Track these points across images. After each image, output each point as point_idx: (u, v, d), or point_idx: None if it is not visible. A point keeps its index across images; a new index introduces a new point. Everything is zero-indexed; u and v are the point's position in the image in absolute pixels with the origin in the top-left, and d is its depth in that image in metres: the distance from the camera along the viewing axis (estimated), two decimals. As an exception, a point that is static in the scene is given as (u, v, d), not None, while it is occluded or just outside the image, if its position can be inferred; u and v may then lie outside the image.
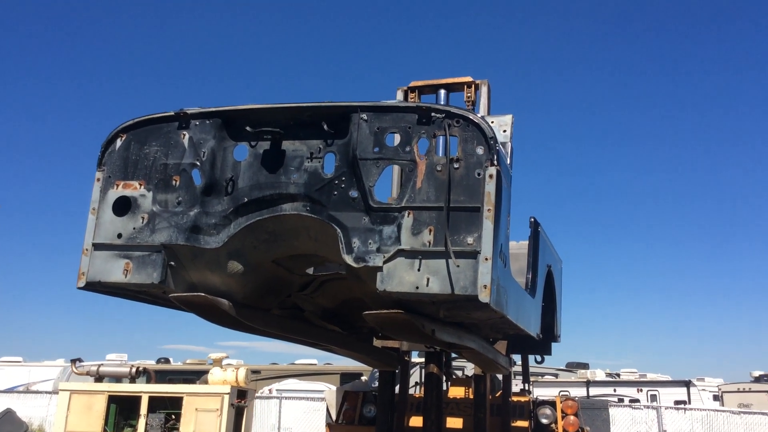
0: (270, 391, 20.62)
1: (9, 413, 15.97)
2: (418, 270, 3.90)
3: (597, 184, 70.75)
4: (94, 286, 4.47)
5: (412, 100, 7.26)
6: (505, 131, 6.19)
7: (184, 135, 4.48)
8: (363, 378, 18.43)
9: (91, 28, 64.19)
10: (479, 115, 4.27)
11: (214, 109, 4.51)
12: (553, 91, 71.09)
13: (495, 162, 3.95)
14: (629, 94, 69.49)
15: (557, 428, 8.31)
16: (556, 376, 24.43)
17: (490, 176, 3.94)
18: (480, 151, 3.98)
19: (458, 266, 3.82)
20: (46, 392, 21.37)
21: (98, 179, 4.56)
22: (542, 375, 23.13)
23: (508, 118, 6.32)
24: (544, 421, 8.40)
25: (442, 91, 7.41)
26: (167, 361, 26.07)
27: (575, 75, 70.70)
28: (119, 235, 4.40)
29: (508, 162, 4.76)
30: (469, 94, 7.33)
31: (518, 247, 6.76)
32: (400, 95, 7.48)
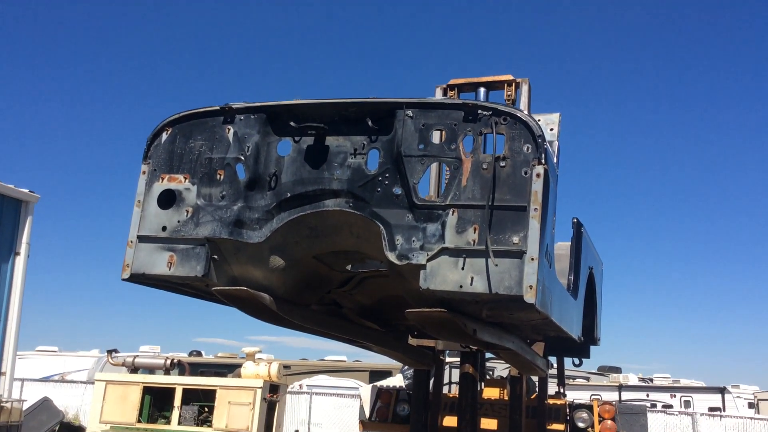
0: (300, 386, 20.71)
1: (46, 402, 16.28)
2: (462, 269, 3.86)
3: (633, 185, 69.79)
4: (138, 278, 4.50)
5: (452, 98, 7.20)
6: (552, 129, 6.12)
7: (229, 129, 4.49)
8: (394, 375, 18.43)
9: (130, 23, 65.12)
10: (526, 113, 4.21)
11: (258, 104, 4.52)
12: (596, 90, 70.09)
13: (542, 161, 3.89)
14: (674, 92, 68.35)
15: (594, 432, 8.21)
16: (587, 379, 24.16)
17: (538, 175, 3.87)
18: (527, 149, 3.93)
19: (502, 266, 3.78)
20: (81, 382, 21.72)
21: (144, 172, 4.59)
22: (573, 378, 22.88)
23: (555, 117, 6.24)
24: (581, 424, 8.30)
25: (482, 90, 7.32)
26: (199, 353, 26.35)
27: (620, 71, 69.64)
28: (164, 228, 4.43)
29: (555, 161, 4.70)
30: (509, 93, 7.23)
31: (558, 247, 6.68)
32: (439, 93, 7.41)
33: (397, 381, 16.44)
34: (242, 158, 4.42)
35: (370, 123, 4.24)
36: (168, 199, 4.48)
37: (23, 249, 15.64)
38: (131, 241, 4.48)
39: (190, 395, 11.45)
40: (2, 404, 12.83)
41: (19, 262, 15.58)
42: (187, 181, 4.48)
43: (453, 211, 3.96)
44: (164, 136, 4.63)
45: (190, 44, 68.90)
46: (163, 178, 4.53)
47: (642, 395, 22.00)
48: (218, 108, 4.56)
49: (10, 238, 15.51)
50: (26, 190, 15.89)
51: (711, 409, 20.53)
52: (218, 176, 4.44)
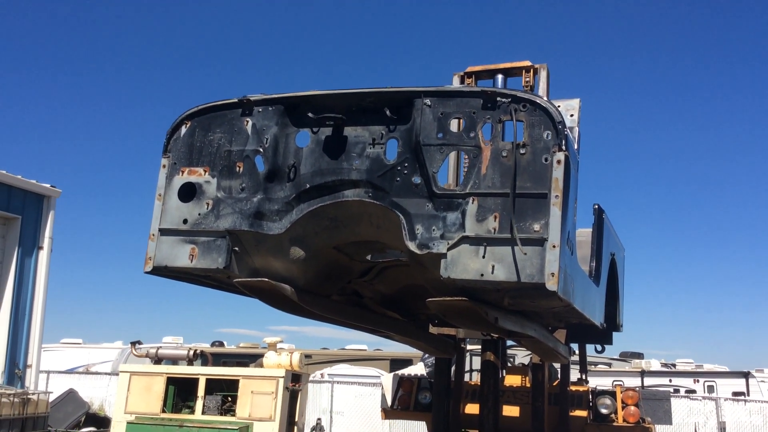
0: (322, 375, 20.79)
1: (72, 393, 16.51)
2: (483, 257, 3.84)
3: (654, 170, 69.06)
4: (160, 271, 4.53)
5: (469, 85, 7.16)
6: (572, 116, 6.08)
7: (248, 122, 4.50)
8: (415, 364, 18.48)
9: (149, 21, 65.39)
10: (546, 99, 4.17)
11: (276, 96, 4.52)
12: (616, 75, 69.12)
13: (563, 147, 3.86)
14: (695, 78, 67.36)
15: (617, 419, 8.16)
16: (609, 365, 24.06)
17: (558, 162, 3.84)
18: (547, 136, 3.89)
19: (525, 254, 3.75)
20: (106, 373, 21.95)
21: (164, 166, 4.61)
22: (595, 364, 22.78)
23: (575, 102, 6.19)
24: (604, 411, 8.26)
25: (500, 76, 7.27)
26: (221, 344, 26.54)
27: (642, 56, 68.65)
28: (185, 221, 4.45)
29: (576, 147, 4.66)
30: (527, 79, 7.18)
31: (580, 234, 6.64)
32: (456, 81, 7.37)
33: (418, 369, 16.46)
34: (261, 150, 4.42)
35: (388, 112, 4.22)
36: (188, 192, 4.50)
37: (46, 243, 15.81)
38: (153, 235, 4.50)
39: (213, 385, 11.52)
40: (29, 396, 13.03)
41: (43, 256, 15.76)
42: (207, 173, 4.50)
43: (473, 200, 3.94)
44: (183, 129, 4.64)
45: (208, 39, 69.12)
46: (183, 172, 4.55)
47: (665, 381, 21.85)
48: (236, 100, 4.56)
49: (34, 233, 15.69)
50: (48, 185, 16.05)
51: (735, 393, 20.37)
52: (238, 168, 4.45)
